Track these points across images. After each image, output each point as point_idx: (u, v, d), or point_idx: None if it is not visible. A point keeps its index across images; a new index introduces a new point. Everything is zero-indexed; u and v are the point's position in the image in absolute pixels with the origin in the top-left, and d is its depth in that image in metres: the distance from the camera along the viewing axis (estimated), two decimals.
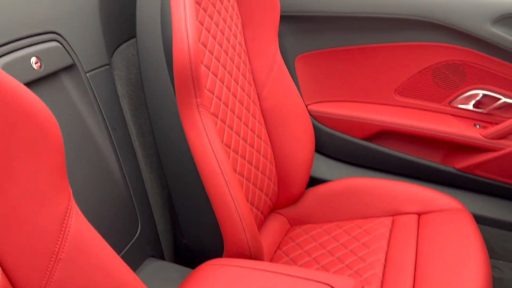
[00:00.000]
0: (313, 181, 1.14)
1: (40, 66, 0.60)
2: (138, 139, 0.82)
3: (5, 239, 0.43)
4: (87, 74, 0.68)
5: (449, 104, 1.07)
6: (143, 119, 0.84)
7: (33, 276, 0.45)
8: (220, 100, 0.82)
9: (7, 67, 0.55)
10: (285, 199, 1.04)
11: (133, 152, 0.78)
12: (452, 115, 1.07)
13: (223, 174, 0.73)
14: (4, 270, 0.44)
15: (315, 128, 1.16)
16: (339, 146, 1.16)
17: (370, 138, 1.12)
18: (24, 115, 0.43)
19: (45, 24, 0.62)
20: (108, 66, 0.74)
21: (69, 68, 0.65)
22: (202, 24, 0.78)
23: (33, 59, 0.59)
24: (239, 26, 0.92)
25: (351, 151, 1.15)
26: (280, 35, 1.10)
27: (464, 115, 1.06)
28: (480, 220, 1.05)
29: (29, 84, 0.58)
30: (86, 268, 0.48)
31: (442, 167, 1.09)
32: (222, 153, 0.73)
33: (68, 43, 0.65)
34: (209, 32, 0.80)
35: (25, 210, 0.45)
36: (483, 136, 1.01)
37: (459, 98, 1.05)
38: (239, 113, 0.88)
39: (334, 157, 1.19)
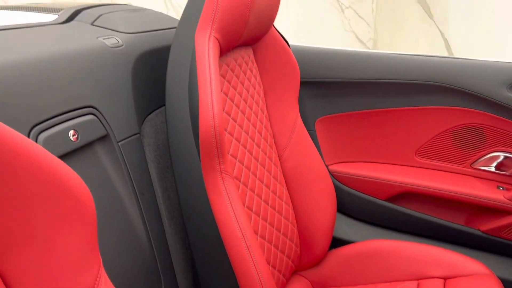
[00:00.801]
0: (336, 242, 1.13)
1: (77, 138, 0.65)
2: (163, 202, 0.85)
3: None
4: (119, 143, 0.73)
5: (470, 166, 1.07)
6: (169, 182, 0.88)
7: None
8: (243, 164, 0.85)
9: (47, 141, 0.60)
10: (307, 261, 1.03)
11: (159, 215, 0.81)
12: (474, 176, 1.07)
13: (244, 239, 0.74)
14: None
15: (337, 188, 1.16)
16: (361, 207, 1.16)
17: (393, 199, 1.12)
18: (61, 190, 0.47)
19: (83, 99, 0.68)
20: (138, 135, 0.78)
21: (103, 138, 0.70)
22: (227, 95, 0.83)
23: (71, 132, 0.64)
24: (261, 93, 0.97)
25: (374, 212, 1.15)
26: (301, 99, 1.14)
27: (486, 177, 1.06)
28: (509, 286, 1.01)
29: (65, 155, 0.62)
30: None
31: (466, 229, 1.07)
32: (244, 218, 0.75)
33: (102, 115, 0.70)
34: (232, 101, 0.84)
35: (60, 283, 0.47)
36: (507, 199, 0.99)
37: (480, 160, 1.05)
38: (260, 175, 0.91)
39: (356, 217, 1.19)
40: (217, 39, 0.74)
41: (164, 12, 2.42)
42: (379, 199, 1.13)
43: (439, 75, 1.01)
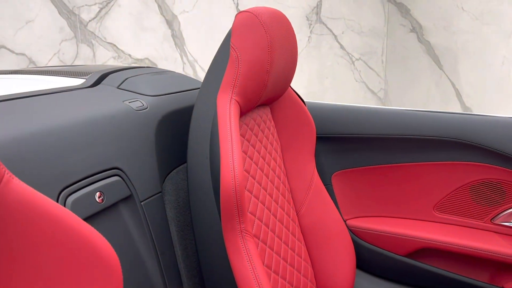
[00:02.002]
0: None
1: (103, 200, 0.66)
2: (183, 260, 0.85)
3: None
4: (142, 203, 0.74)
5: (491, 221, 1.05)
6: (188, 240, 0.88)
7: None
8: (261, 221, 0.86)
9: (75, 204, 0.61)
10: None
11: (179, 274, 0.81)
12: (496, 232, 1.05)
13: None
14: None
15: (355, 243, 1.15)
16: (380, 263, 1.14)
17: (413, 254, 1.10)
18: (91, 256, 0.48)
19: (108, 161, 0.70)
20: (160, 193, 0.80)
21: (127, 198, 0.72)
22: (246, 153, 0.84)
23: (97, 194, 0.66)
24: (279, 150, 0.99)
25: (394, 268, 1.12)
26: (317, 154, 1.16)
27: (508, 233, 1.04)
28: None
29: (90, 217, 0.64)
30: None
31: (490, 287, 1.03)
32: (264, 279, 0.74)
33: (127, 176, 0.72)
34: (251, 159, 0.86)
35: None
36: None
37: (501, 215, 1.04)
38: (279, 232, 0.90)
39: (375, 274, 1.16)
40: (237, 102, 0.77)
41: (181, 66, 2.51)
42: (399, 255, 1.11)
43: (454, 131, 1.02)
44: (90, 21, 2.30)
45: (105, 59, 2.37)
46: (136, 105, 0.79)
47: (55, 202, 0.47)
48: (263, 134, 0.92)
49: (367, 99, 3.22)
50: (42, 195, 0.46)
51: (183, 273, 0.83)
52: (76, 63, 2.30)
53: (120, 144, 0.73)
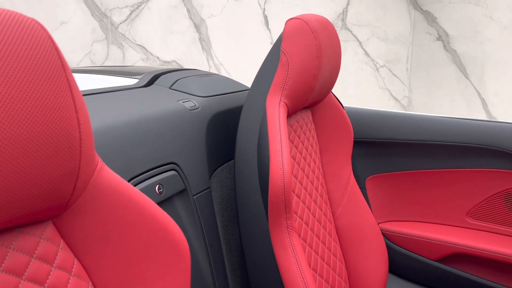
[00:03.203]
0: None
1: (161, 192, 0.72)
2: (226, 254, 0.90)
3: None
4: (194, 197, 0.80)
5: None
6: (231, 235, 0.93)
7: None
8: (302, 219, 0.90)
9: None
10: None
11: (224, 267, 0.86)
12: None
13: None
14: None
15: (387, 247, 1.18)
16: (412, 267, 1.17)
17: (445, 259, 1.13)
18: (166, 240, 0.53)
19: (167, 156, 0.76)
20: (209, 189, 0.85)
21: (181, 192, 0.77)
22: (289, 153, 0.89)
23: (157, 186, 0.71)
24: (317, 152, 1.04)
25: (425, 273, 1.15)
26: (352, 157, 1.20)
27: None
28: None
29: None
30: None
31: None
32: (307, 272, 0.78)
33: (182, 171, 0.78)
34: (294, 159, 0.91)
35: None
36: None
37: None
38: (317, 231, 0.95)
39: (407, 278, 1.19)
40: (285, 104, 0.82)
41: (207, 69, 2.58)
42: (431, 259, 1.14)
43: (489, 139, 1.05)
44: (121, 23, 2.38)
45: (134, 60, 2.44)
46: (189, 105, 0.85)
47: (137, 190, 0.52)
48: (305, 136, 0.96)
49: (390, 106, 3.24)
50: (127, 182, 0.51)
51: (226, 266, 0.88)
52: (106, 64, 2.39)
53: (176, 141, 0.79)
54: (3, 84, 0.34)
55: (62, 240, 0.47)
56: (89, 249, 0.49)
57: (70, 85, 0.41)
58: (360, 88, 3.06)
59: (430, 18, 3.09)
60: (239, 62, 2.64)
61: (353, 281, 1.04)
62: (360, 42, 3.03)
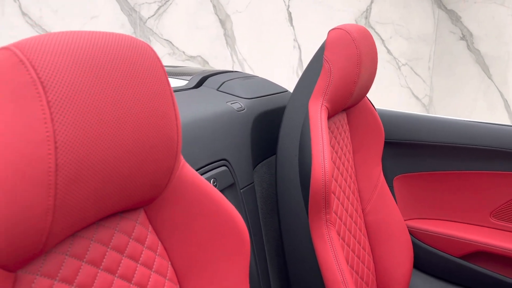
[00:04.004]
0: None
1: (215, 186, 0.81)
2: (265, 245, 0.99)
3: None
4: (241, 191, 0.89)
5: None
6: (269, 227, 1.02)
7: None
8: (337, 214, 0.99)
9: None
10: None
11: (265, 255, 0.95)
12: None
13: (344, 283, 0.86)
14: None
15: (412, 243, 1.26)
16: (435, 263, 1.25)
17: (467, 257, 1.20)
18: (231, 228, 0.61)
19: (219, 153, 0.84)
20: (253, 184, 0.94)
21: (231, 186, 0.86)
22: (331, 157, 0.98)
23: (213, 180, 0.80)
24: (351, 152, 1.12)
25: (448, 269, 1.23)
26: (382, 157, 1.27)
27: None
28: None
29: None
30: None
31: None
32: (344, 264, 0.87)
33: (231, 166, 0.87)
34: (331, 158, 0.99)
35: None
36: None
37: None
38: (349, 226, 1.03)
39: (429, 273, 1.27)
40: (326, 107, 0.90)
41: (230, 65, 2.67)
42: (454, 256, 1.22)
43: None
44: (149, 18, 2.47)
45: (161, 55, 2.53)
46: (236, 106, 0.94)
47: (208, 182, 0.61)
48: (340, 137, 1.05)
49: (411, 105, 3.30)
50: (201, 176, 0.60)
51: (266, 255, 0.97)
52: None
53: (226, 140, 0.87)
54: (131, 99, 0.43)
55: (150, 225, 0.56)
56: (170, 233, 0.58)
57: (172, 96, 0.49)
58: (381, 86, 3.12)
59: (454, 17, 3.13)
60: (263, 58, 2.72)
61: (379, 273, 1.12)
62: (383, 40, 3.09)
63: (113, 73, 0.41)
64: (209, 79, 1.03)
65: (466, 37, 3.10)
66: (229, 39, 2.65)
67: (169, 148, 0.49)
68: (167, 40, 2.52)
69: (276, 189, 0.93)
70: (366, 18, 3.02)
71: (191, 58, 2.58)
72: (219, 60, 2.63)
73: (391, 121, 1.23)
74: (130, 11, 2.43)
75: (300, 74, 2.76)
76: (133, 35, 2.49)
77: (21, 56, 0.36)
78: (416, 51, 3.27)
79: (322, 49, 0.92)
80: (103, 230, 0.49)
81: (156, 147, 0.47)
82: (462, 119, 1.20)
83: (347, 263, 1.00)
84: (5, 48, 0.37)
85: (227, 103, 0.93)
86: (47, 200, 0.37)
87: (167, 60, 2.53)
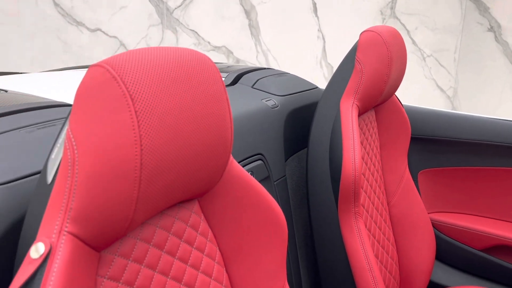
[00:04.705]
0: (431, 286, 1.28)
1: None
2: (295, 234, 1.06)
3: None
4: (275, 183, 0.96)
5: None
6: (298, 217, 1.09)
7: None
8: (363, 207, 1.05)
9: None
10: None
11: (295, 243, 1.03)
12: None
13: (371, 271, 0.93)
14: None
15: (435, 235, 1.32)
16: (457, 255, 1.31)
17: (489, 250, 1.26)
18: (271, 216, 0.69)
19: (256, 148, 0.92)
20: (285, 177, 1.01)
21: (266, 179, 0.93)
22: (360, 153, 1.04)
23: (250, 173, 0.87)
24: (378, 147, 1.18)
25: (469, 261, 1.29)
26: (408, 152, 1.33)
27: None
28: None
29: None
30: None
31: None
32: (371, 253, 0.94)
33: (266, 160, 0.94)
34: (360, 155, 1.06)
35: (261, 286, 0.69)
36: None
37: None
38: (375, 218, 1.10)
39: (451, 264, 1.33)
40: (357, 106, 0.97)
41: (254, 55, 2.72)
42: (475, 249, 1.28)
43: None
44: (175, 8, 2.54)
45: (187, 45, 2.60)
46: (270, 103, 1.00)
47: (249, 174, 0.68)
48: (369, 133, 1.11)
49: (435, 96, 3.30)
50: (244, 170, 0.67)
51: (296, 244, 1.05)
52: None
53: (261, 135, 0.95)
54: (198, 106, 0.50)
55: (202, 214, 0.64)
56: (219, 222, 0.66)
57: (228, 101, 0.57)
58: (405, 78, 3.13)
59: (483, 8, 3.11)
60: (287, 48, 2.76)
61: (402, 264, 1.19)
62: (408, 31, 3.09)
63: (183, 84, 0.49)
64: (244, 76, 1.10)
65: (494, 28, 3.08)
66: (254, 29, 2.70)
67: (224, 146, 0.57)
68: (193, 31, 2.58)
69: (306, 181, 1.00)
70: (391, 8, 3.03)
71: (216, 48, 2.65)
72: (244, 51, 2.69)
73: (418, 117, 1.28)
74: (157, 2, 2.50)
75: (324, 64, 2.80)
76: (160, 26, 2.56)
77: (113, 72, 0.43)
78: (442, 42, 3.26)
79: (354, 50, 0.97)
80: (166, 218, 0.57)
81: (216, 146, 0.55)
82: (486, 116, 1.24)
83: (373, 252, 1.07)
84: (98, 66, 0.44)
85: (262, 100, 1.00)
86: (132, 192, 0.44)
87: None
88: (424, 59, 3.21)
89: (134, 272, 0.52)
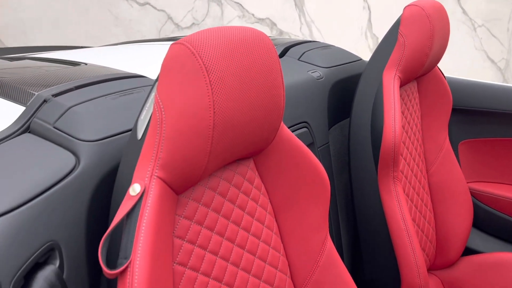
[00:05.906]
0: (467, 251, 1.36)
1: None
2: (336, 198, 1.17)
3: (292, 250, 0.78)
4: (318, 149, 1.06)
5: None
6: (339, 181, 1.20)
7: (303, 271, 0.78)
8: (402, 173, 1.14)
9: None
10: (440, 262, 1.28)
11: (336, 206, 1.13)
12: None
13: (407, 232, 1.03)
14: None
15: (473, 203, 1.39)
16: (494, 222, 1.37)
17: None
18: (317, 176, 0.79)
19: (301, 116, 1.02)
20: (328, 144, 1.11)
21: (310, 145, 1.04)
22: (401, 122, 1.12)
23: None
24: (419, 117, 1.25)
25: (506, 229, 1.35)
26: (449, 123, 1.39)
27: None
28: None
29: None
30: (333, 276, 0.81)
31: None
32: (408, 216, 1.03)
33: (311, 128, 1.04)
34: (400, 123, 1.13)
35: (305, 233, 0.80)
36: None
37: None
38: (414, 184, 1.18)
39: (488, 232, 1.40)
40: (399, 77, 1.04)
41: (298, 27, 2.78)
42: None
43: None
44: None
45: (231, 17, 2.69)
46: (316, 75, 1.10)
47: (297, 138, 0.79)
48: (410, 103, 1.18)
49: (485, 68, 3.24)
50: (293, 134, 0.78)
51: (338, 206, 1.16)
52: (206, 20, 2.66)
53: (306, 105, 1.04)
54: (259, 76, 0.61)
55: (256, 171, 0.76)
56: (271, 177, 0.77)
57: (281, 72, 0.67)
58: (453, 49, 3.09)
59: None
60: (330, 20, 2.79)
61: (439, 229, 1.27)
62: (458, 0, 3.03)
63: (247, 58, 0.59)
64: (291, 49, 1.19)
65: None
66: (298, 0, 2.75)
67: (278, 112, 0.67)
68: (238, 3, 2.66)
69: (348, 148, 1.10)
70: None
71: (260, 20, 2.72)
72: (288, 22, 2.75)
73: (460, 88, 1.34)
74: None
75: (370, 35, 2.82)
76: None
77: (192, 49, 0.54)
78: (494, 11, 3.17)
79: (397, 24, 1.04)
80: (228, 171, 0.69)
81: (272, 111, 0.65)
82: None
83: (410, 215, 1.16)
84: (179, 43, 0.55)
85: (308, 72, 1.10)
86: (206, 146, 0.56)
87: (237, 23, 2.69)
88: (475, 29, 3.15)
89: (203, 214, 0.64)
